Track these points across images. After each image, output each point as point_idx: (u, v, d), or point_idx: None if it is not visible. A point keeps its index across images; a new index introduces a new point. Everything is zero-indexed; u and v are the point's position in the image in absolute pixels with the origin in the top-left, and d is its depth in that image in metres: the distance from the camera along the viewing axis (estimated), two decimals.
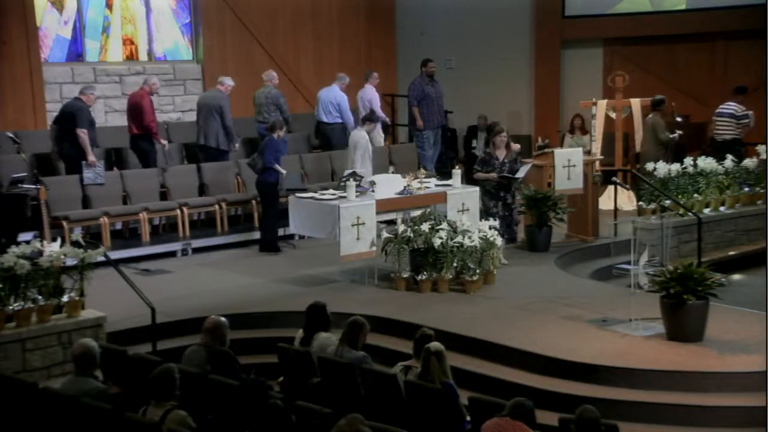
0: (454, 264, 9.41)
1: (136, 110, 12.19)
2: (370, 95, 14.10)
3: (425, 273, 9.42)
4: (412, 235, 9.54)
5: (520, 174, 10.79)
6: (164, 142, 12.56)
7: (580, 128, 15.14)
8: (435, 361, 6.30)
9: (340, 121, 13.86)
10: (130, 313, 8.39)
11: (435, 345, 6.41)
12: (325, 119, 13.92)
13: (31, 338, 7.56)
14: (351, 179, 9.96)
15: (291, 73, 15.56)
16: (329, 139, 13.99)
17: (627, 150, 13.64)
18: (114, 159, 12.61)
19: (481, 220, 10.13)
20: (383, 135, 14.40)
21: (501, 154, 10.78)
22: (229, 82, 12.72)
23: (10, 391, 6.12)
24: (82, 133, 11.23)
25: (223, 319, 6.84)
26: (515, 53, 16.75)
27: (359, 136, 11.99)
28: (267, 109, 13.31)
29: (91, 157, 11.28)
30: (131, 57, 14.57)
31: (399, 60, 17.12)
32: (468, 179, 11.69)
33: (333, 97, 13.83)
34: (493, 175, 10.68)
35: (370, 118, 12.29)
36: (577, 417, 5.45)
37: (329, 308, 7.31)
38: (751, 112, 13.16)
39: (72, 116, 11.32)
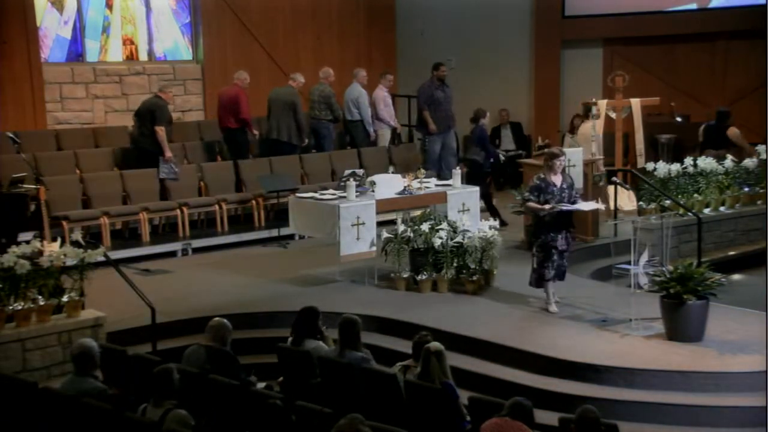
0: (454, 264, 9.41)
1: (234, 105, 12.70)
2: (375, 96, 14.14)
3: (425, 273, 9.42)
4: (412, 235, 9.55)
5: (588, 207, 9.27)
6: (256, 132, 13.09)
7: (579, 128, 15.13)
8: (435, 361, 6.30)
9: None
10: (130, 313, 8.39)
11: (435, 345, 6.42)
12: (349, 117, 14.11)
13: (31, 338, 7.56)
14: (351, 179, 9.95)
15: (291, 72, 15.54)
16: (354, 136, 14.19)
17: (627, 150, 13.63)
18: (120, 158, 12.60)
19: (541, 264, 8.76)
20: (388, 137, 14.43)
21: (557, 180, 8.71)
22: (300, 78, 13.28)
23: (10, 391, 6.13)
24: (161, 130, 11.77)
25: (226, 321, 6.86)
26: (515, 53, 16.75)
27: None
28: (319, 107, 13.61)
29: (168, 153, 11.85)
30: (131, 57, 14.58)
31: (399, 60, 17.12)
32: (469, 182, 11.64)
33: (352, 94, 14.01)
34: (547, 206, 8.57)
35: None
36: (577, 417, 5.46)
37: (328, 308, 7.31)
38: None
39: (151, 113, 11.86)
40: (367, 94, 14.05)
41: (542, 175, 8.78)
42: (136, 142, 12.24)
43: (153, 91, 14.38)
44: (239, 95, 12.79)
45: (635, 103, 12.86)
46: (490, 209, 11.98)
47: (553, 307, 8.75)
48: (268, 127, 13.20)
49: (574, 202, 8.71)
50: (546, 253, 8.68)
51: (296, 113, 12.99)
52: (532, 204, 8.73)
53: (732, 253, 11.49)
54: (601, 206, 9.59)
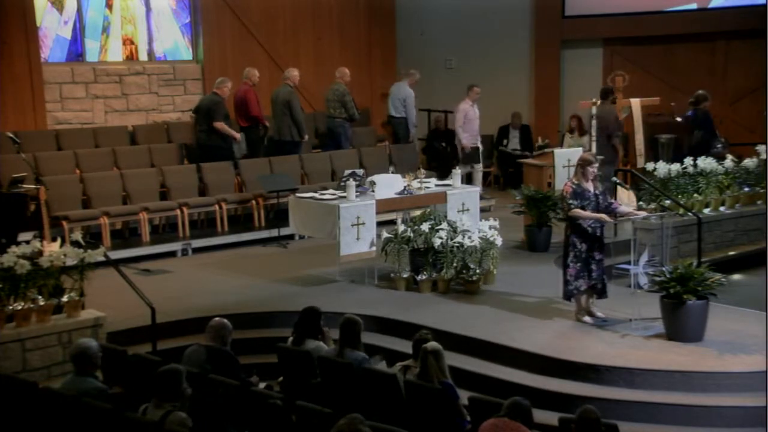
0: (454, 264, 9.41)
1: (242, 104, 13.02)
2: (459, 108, 14.15)
3: (425, 273, 9.42)
4: (412, 235, 9.55)
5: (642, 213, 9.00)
6: (267, 124, 13.37)
7: (578, 128, 15.14)
8: (432, 360, 6.30)
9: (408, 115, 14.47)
10: (130, 313, 8.39)
11: (432, 344, 6.42)
12: (393, 113, 14.55)
13: (31, 338, 7.56)
14: (351, 179, 9.95)
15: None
16: (396, 132, 14.69)
17: (627, 150, 13.63)
18: (115, 158, 12.63)
19: (574, 276, 8.34)
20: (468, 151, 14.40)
21: (590, 186, 8.38)
22: (292, 73, 13.45)
23: (10, 391, 6.13)
24: (220, 125, 12.47)
25: (226, 321, 6.86)
26: (515, 53, 16.76)
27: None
28: (333, 105, 13.84)
29: (237, 135, 12.78)
30: (131, 57, 14.57)
31: (399, 60, 17.12)
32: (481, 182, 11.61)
33: (401, 92, 14.48)
34: (605, 217, 8.20)
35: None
36: (577, 417, 5.46)
37: (328, 308, 7.31)
38: None
39: (208, 111, 12.48)
40: (413, 95, 14.45)
41: (576, 181, 8.42)
42: (198, 139, 12.76)
43: (153, 91, 14.46)
44: (247, 93, 13.01)
45: (635, 103, 12.85)
46: None
47: (587, 318, 8.41)
48: (273, 128, 13.46)
49: (608, 206, 8.35)
50: (583, 264, 8.33)
51: (292, 111, 13.13)
52: (584, 212, 8.20)
53: (732, 253, 11.48)
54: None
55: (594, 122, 12.56)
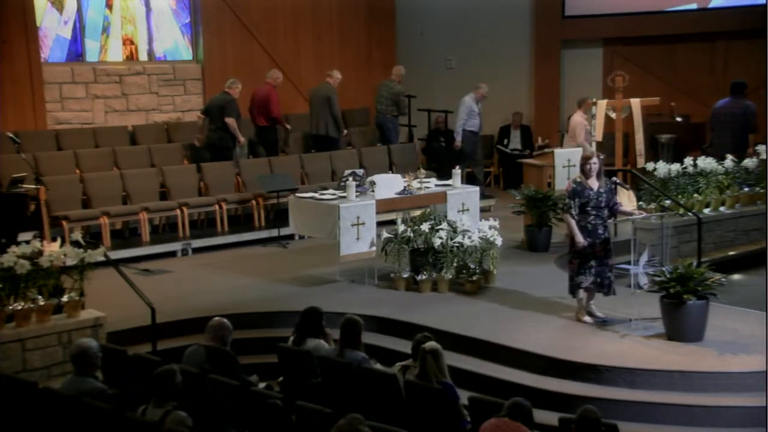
0: (454, 264, 9.41)
1: (264, 103, 13.18)
2: (574, 121, 13.09)
3: (425, 273, 9.42)
4: (412, 235, 9.55)
5: (639, 215, 8.69)
6: (288, 126, 13.73)
7: None
8: (431, 359, 6.30)
9: (468, 127, 14.04)
10: (130, 313, 8.39)
11: (430, 344, 6.41)
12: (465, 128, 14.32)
13: (31, 338, 7.56)
14: (351, 179, 9.95)
15: (291, 73, 15.56)
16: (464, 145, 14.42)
17: (627, 150, 13.62)
18: (115, 158, 12.63)
19: (579, 278, 8.34)
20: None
21: (594, 184, 8.22)
22: (337, 75, 13.81)
23: (10, 391, 6.13)
24: (231, 121, 12.50)
25: (226, 321, 6.86)
26: (515, 53, 16.76)
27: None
28: (385, 101, 14.27)
29: (242, 139, 12.73)
30: (131, 57, 14.58)
31: (399, 60, 17.11)
32: (464, 179, 11.59)
33: (463, 105, 14.01)
34: (579, 239, 8.20)
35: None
36: (577, 417, 5.46)
37: (328, 308, 7.31)
38: None
39: (220, 108, 12.53)
40: (467, 104, 13.93)
41: (578, 179, 8.35)
42: (208, 138, 12.83)
43: (153, 91, 14.46)
44: (270, 94, 13.20)
45: (635, 103, 12.84)
46: None
47: (587, 318, 8.38)
48: (310, 122, 13.77)
49: (613, 207, 8.32)
50: (582, 260, 8.29)
51: (331, 107, 13.47)
52: (570, 221, 8.27)
53: (732, 253, 11.47)
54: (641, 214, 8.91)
55: (594, 122, 12.54)
